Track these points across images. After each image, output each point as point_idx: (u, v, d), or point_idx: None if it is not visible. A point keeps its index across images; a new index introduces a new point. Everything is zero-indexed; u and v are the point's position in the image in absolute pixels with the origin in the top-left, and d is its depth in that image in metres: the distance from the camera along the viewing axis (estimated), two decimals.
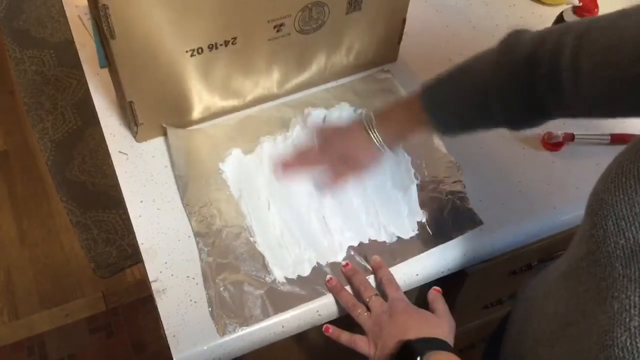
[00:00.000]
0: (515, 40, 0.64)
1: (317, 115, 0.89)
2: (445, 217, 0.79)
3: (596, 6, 0.86)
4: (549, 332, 0.54)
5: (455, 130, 0.73)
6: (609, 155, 0.86)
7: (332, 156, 0.79)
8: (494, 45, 0.66)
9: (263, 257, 0.74)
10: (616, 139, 0.87)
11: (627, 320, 0.41)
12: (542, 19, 1.05)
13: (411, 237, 0.77)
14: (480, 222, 0.78)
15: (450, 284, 0.84)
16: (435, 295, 0.71)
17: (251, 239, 0.76)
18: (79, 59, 0.97)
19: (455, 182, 0.82)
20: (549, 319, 0.55)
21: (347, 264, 0.73)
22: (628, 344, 0.40)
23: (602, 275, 0.45)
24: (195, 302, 0.70)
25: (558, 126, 0.88)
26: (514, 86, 0.63)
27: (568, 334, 0.50)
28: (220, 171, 0.82)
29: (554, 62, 0.59)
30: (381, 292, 0.71)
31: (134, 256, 1.75)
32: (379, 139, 0.75)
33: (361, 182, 0.81)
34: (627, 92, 0.53)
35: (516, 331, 0.66)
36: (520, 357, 0.62)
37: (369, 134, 0.76)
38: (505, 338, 0.70)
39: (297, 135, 0.87)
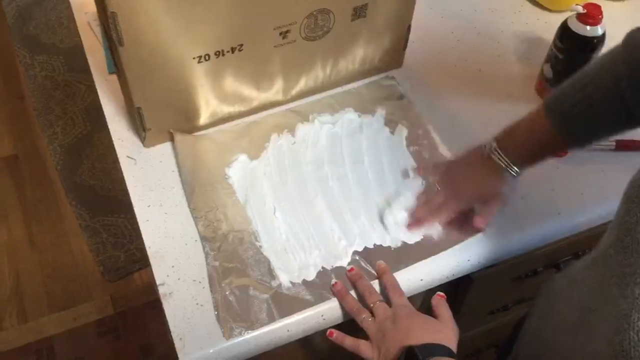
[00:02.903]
0: (635, 43, 0.64)
1: (326, 120, 0.90)
2: (450, 221, 0.79)
3: (600, 13, 0.86)
4: (571, 320, 0.55)
5: (585, 137, 0.71)
6: (614, 161, 0.87)
7: (464, 196, 0.77)
8: (616, 47, 0.66)
9: (269, 261, 0.75)
10: (622, 145, 0.87)
11: None
12: (547, 25, 1.06)
13: (416, 242, 0.77)
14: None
15: (456, 289, 0.84)
16: (438, 300, 0.72)
17: (257, 243, 0.76)
18: (88, 64, 0.98)
19: None
20: (572, 307, 0.56)
21: (352, 269, 0.74)
22: None
23: (628, 261, 0.46)
24: (201, 305, 0.71)
25: None
26: None
27: (589, 320, 0.51)
28: (226, 176, 0.83)
29: None
30: (385, 297, 0.71)
31: (142, 260, 1.76)
32: (507, 162, 0.73)
33: (367, 186, 0.82)
34: None
35: (536, 322, 0.66)
36: (539, 345, 0.62)
37: (493, 161, 0.73)
38: (523, 329, 0.70)
39: (302, 139, 0.87)
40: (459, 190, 0.77)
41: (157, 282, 0.73)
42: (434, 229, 0.77)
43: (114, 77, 0.90)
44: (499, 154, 0.73)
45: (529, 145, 0.73)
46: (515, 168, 0.73)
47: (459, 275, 0.79)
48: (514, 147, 0.73)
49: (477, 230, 0.77)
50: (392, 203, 0.80)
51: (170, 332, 0.69)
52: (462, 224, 0.78)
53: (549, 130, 0.70)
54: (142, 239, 0.77)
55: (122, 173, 0.85)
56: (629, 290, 0.44)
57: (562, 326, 0.57)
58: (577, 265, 0.61)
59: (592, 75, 0.68)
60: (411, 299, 0.73)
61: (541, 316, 0.65)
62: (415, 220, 0.78)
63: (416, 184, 0.83)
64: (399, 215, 0.79)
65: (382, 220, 0.79)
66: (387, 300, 0.71)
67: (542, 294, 0.70)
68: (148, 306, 1.72)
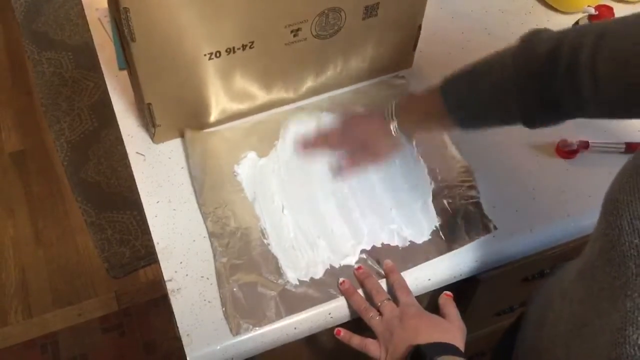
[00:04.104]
0: (535, 38, 0.65)
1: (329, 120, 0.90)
2: (459, 222, 0.79)
3: (612, 15, 0.86)
4: (565, 332, 0.55)
5: (472, 124, 0.74)
6: (623, 163, 0.87)
7: (352, 141, 0.82)
8: (513, 44, 0.67)
9: (276, 259, 0.75)
10: (631, 147, 0.86)
11: (639, 318, 0.41)
12: (558, 26, 1.04)
13: (424, 242, 0.77)
14: (494, 228, 0.79)
15: (462, 290, 0.84)
16: (446, 300, 0.71)
17: (265, 241, 0.76)
18: (96, 61, 0.99)
19: (469, 187, 0.82)
20: (565, 319, 0.55)
21: (359, 267, 0.74)
22: (639, 341, 0.41)
23: (616, 274, 0.45)
24: (209, 302, 0.71)
25: (573, 134, 0.88)
26: (532, 82, 0.64)
27: (583, 333, 0.50)
28: (235, 173, 0.83)
29: (572, 61, 0.59)
30: (393, 296, 0.71)
31: (147, 257, 1.76)
32: (396, 128, 0.79)
33: (381, 178, 0.83)
34: None
35: (532, 333, 0.66)
36: (536, 356, 0.62)
37: (388, 122, 0.79)
38: (519, 340, 0.70)
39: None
40: (350, 133, 0.83)
41: (165, 278, 0.73)
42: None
43: (124, 73, 0.90)
44: (393, 120, 0.79)
45: (421, 119, 0.79)
46: (405, 137, 0.81)
47: (467, 276, 0.79)
48: (408, 119, 0.79)
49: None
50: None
51: (177, 328, 0.69)
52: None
53: (441, 110, 0.73)
54: (147, 235, 0.77)
55: (130, 169, 0.85)
56: (620, 303, 0.44)
57: (557, 338, 0.57)
58: (566, 275, 0.61)
59: (487, 68, 0.70)
60: (418, 298, 0.73)
61: (535, 327, 0.65)
62: (305, 144, 0.85)
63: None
64: (293, 129, 0.86)
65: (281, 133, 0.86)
66: (395, 299, 0.70)
67: (533, 305, 0.70)
68: (152, 303, 1.73)
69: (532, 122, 0.68)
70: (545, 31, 0.65)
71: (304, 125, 0.88)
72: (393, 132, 0.79)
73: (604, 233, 0.47)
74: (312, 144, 0.85)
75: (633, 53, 0.54)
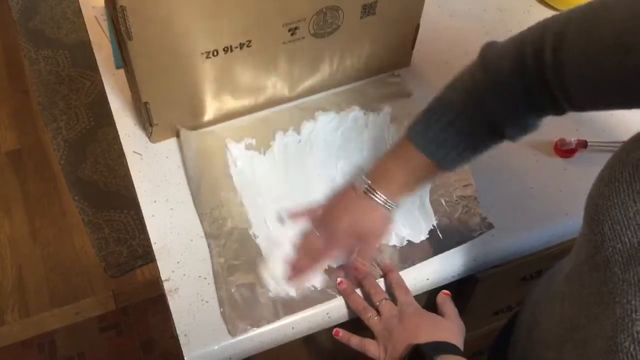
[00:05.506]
0: (493, 55, 0.62)
1: (331, 117, 0.89)
2: (456, 221, 0.79)
3: None
4: (556, 335, 0.54)
5: (460, 158, 0.68)
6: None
7: (343, 238, 0.72)
8: (472, 63, 0.64)
9: (274, 260, 0.74)
10: None
11: (630, 325, 0.41)
12: None
13: (422, 241, 0.77)
14: (491, 226, 0.79)
15: (461, 289, 0.84)
16: (444, 298, 0.71)
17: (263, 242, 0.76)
18: (93, 59, 0.98)
19: (466, 185, 0.82)
20: (556, 322, 0.55)
21: (357, 267, 0.74)
22: (632, 349, 0.40)
23: (603, 279, 0.45)
24: (206, 302, 0.71)
25: (571, 133, 0.88)
26: (503, 96, 0.61)
27: (575, 337, 0.50)
28: (231, 174, 0.82)
29: (538, 65, 0.56)
30: (391, 295, 0.71)
31: (144, 256, 1.76)
32: (384, 199, 0.69)
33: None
34: (611, 92, 0.52)
35: (525, 335, 0.66)
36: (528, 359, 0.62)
37: (368, 198, 0.70)
38: (513, 342, 0.70)
39: (307, 137, 0.87)
40: (336, 234, 0.72)
41: (163, 278, 0.73)
42: (318, 278, 0.73)
43: (121, 72, 0.90)
44: (374, 191, 0.69)
45: (407, 179, 0.69)
46: (392, 202, 0.70)
47: (465, 275, 0.79)
48: (392, 186, 0.70)
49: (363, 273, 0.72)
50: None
51: (175, 328, 0.69)
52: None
53: (423, 161, 0.67)
54: (144, 234, 0.77)
55: (127, 168, 0.84)
56: (610, 310, 0.43)
57: (548, 341, 0.57)
58: (554, 278, 0.60)
59: (451, 97, 0.66)
60: (416, 297, 0.73)
61: (527, 330, 0.65)
62: (296, 271, 0.73)
63: (293, 232, 0.77)
64: (277, 269, 0.73)
65: (259, 272, 0.73)
66: (393, 299, 0.70)
67: (526, 307, 0.69)
68: (150, 302, 1.72)
69: (512, 134, 0.64)
70: (497, 43, 0.63)
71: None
72: (382, 204, 0.69)
73: (588, 239, 0.47)
74: (303, 265, 0.73)
75: (593, 47, 0.51)
